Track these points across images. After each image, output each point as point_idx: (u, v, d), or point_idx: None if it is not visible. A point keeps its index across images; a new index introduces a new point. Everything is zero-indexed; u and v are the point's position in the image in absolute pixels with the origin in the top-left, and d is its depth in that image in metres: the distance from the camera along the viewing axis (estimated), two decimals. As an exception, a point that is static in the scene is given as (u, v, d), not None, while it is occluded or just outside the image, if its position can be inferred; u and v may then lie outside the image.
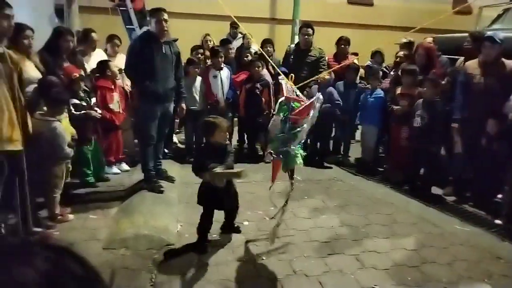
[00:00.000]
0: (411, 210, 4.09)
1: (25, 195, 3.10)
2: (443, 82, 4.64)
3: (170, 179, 4.54)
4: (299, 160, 2.87)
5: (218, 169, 2.85)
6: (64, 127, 3.57)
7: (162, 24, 3.93)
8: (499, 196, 4.06)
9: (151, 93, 4.01)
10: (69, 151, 3.41)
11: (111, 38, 5.24)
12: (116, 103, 4.59)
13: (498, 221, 3.80)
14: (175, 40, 4.45)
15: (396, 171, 4.98)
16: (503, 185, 3.90)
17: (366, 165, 5.38)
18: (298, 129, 2.76)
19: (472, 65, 4.25)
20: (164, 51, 4.04)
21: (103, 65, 4.55)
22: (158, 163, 4.46)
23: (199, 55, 5.71)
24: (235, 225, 3.46)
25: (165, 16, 3.96)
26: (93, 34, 4.93)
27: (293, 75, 3.11)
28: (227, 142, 3.12)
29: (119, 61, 5.18)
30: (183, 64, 4.59)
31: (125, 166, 4.91)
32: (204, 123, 3.15)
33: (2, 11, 2.80)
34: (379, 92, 5.27)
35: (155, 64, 3.97)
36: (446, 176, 4.60)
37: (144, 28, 7.75)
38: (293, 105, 2.80)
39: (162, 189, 4.18)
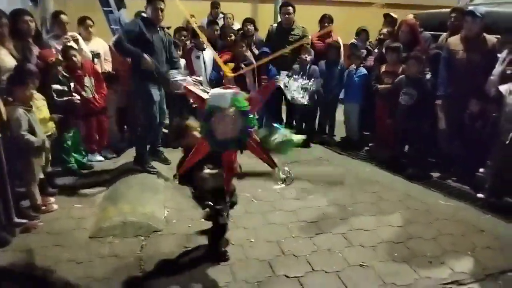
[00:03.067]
0: (397, 188, 4.14)
1: (4, 185, 3.02)
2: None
3: (166, 161, 4.57)
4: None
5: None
6: (42, 115, 3.47)
7: (158, 12, 4.09)
8: (481, 170, 4.13)
9: (147, 76, 4.08)
10: (33, 140, 3.18)
11: (82, 21, 5.02)
12: (87, 89, 4.45)
13: (480, 195, 3.88)
14: (168, 28, 4.46)
15: (381, 149, 5.02)
16: (485, 160, 3.97)
17: (351, 144, 5.41)
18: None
19: (455, 40, 4.25)
20: (159, 36, 4.18)
21: (66, 51, 4.36)
22: (158, 145, 4.62)
23: (183, 37, 5.58)
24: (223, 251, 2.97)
25: (162, 5, 4.10)
26: (62, 16, 4.71)
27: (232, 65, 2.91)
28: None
29: (95, 45, 5.02)
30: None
31: (108, 154, 4.82)
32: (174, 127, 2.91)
33: None
34: (362, 71, 5.27)
35: (153, 48, 4.08)
36: (430, 153, 4.65)
37: (122, 11, 7.55)
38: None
39: (155, 170, 4.27)
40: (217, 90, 2.44)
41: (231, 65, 3.01)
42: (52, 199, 3.60)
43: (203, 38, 4.40)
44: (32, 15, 4.15)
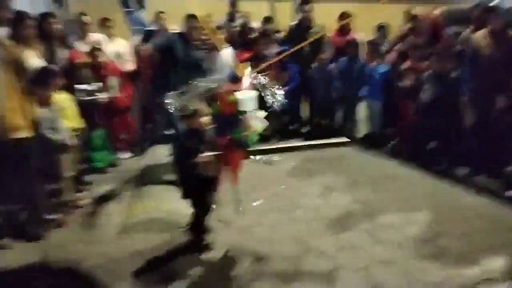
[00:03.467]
0: (423, 185, 4.08)
1: (35, 182, 3.10)
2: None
3: None
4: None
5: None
6: (67, 115, 3.54)
7: (191, 31, 4.24)
8: (510, 168, 4.04)
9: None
10: (55, 138, 3.26)
11: (102, 22, 5.12)
12: (113, 88, 4.53)
13: (510, 193, 3.79)
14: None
15: (405, 146, 4.96)
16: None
17: (375, 141, 5.36)
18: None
19: (479, 36, 4.17)
20: (193, 53, 4.27)
21: (91, 52, 4.45)
22: None
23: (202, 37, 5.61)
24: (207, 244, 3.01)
25: (196, 23, 4.25)
26: (84, 17, 4.82)
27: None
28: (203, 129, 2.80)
29: (116, 45, 5.10)
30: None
31: (134, 152, 4.90)
32: (181, 108, 2.85)
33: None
34: (383, 67, 5.22)
35: (183, 65, 4.15)
36: (458, 150, 4.56)
37: (142, 11, 7.66)
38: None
39: None
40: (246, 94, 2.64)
41: (244, 65, 3.05)
42: (84, 194, 3.68)
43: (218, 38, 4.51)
44: (56, 17, 4.26)
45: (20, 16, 3.49)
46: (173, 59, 4.16)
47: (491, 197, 3.74)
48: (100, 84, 4.28)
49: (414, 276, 2.61)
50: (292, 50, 3.44)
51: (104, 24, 5.13)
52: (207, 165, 2.63)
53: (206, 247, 2.92)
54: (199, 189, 2.81)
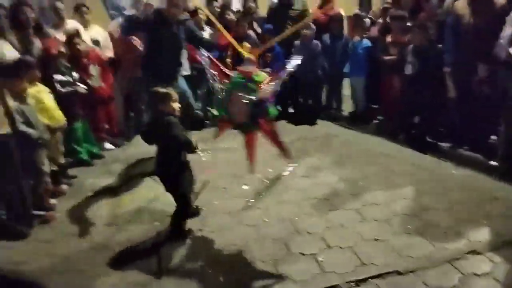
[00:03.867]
0: (408, 160, 4.12)
1: (19, 178, 3.05)
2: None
3: None
4: None
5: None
6: (44, 108, 3.46)
7: (171, 6, 3.98)
8: (493, 137, 4.09)
9: (154, 73, 4.06)
10: (30, 132, 3.13)
11: (77, 8, 4.95)
12: (93, 78, 4.43)
13: (493, 163, 3.84)
14: (187, 20, 4.36)
15: (390, 121, 4.97)
16: (497, 126, 3.91)
17: (359, 118, 5.37)
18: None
19: (461, 4, 4.12)
20: (173, 32, 4.08)
21: (68, 41, 4.31)
22: None
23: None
24: (195, 207, 3.21)
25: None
26: (58, 4, 4.65)
27: (249, 45, 3.07)
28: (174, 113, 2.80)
29: (93, 32, 4.95)
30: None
31: (117, 142, 4.84)
32: (154, 92, 2.84)
33: None
34: (366, 43, 5.17)
35: (161, 45, 4.03)
36: (440, 122, 4.59)
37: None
38: (255, 79, 2.63)
39: None
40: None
41: (246, 44, 3.05)
42: (64, 186, 3.65)
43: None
44: (31, 6, 4.11)
45: None
46: (154, 40, 4.02)
47: (474, 169, 3.79)
48: (77, 74, 4.16)
49: (402, 251, 2.65)
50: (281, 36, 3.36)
51: (80, 11, 4.96)
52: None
53: (188, 233, 2.93)
54: (178, 179, 2.82)
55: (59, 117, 3.60)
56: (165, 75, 4.08)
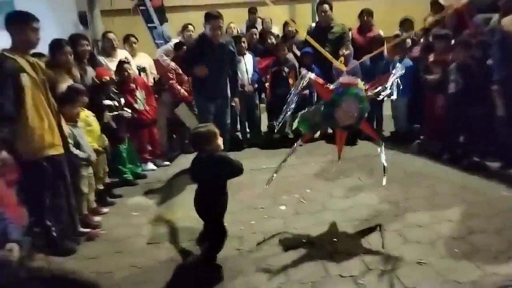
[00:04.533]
0: (453, 180, 3.95)
1: (69, 197, 3.24)
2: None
3: None
4: None
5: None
6: (94, 130, 3.69)
7: (215, 31, 4.22)
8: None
9: (203, 91, 4.41)
10: (78, 154, 3.36)
11: (126, 38, 5.32)
12: (139, 102, 4.67)
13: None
14: (229, 42, 4.57)
15: (433, 141, 4.81)
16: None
17: (401, 138, 5.23)
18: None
19: (509, 21, 3.99)
20: (218, 53, 4.33)
21: (118, 67, 4.62)
22: None
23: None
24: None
25: (220, 23, 4.25)
26: (109, 35, 5.01)
27: (343, 59, 3.42)
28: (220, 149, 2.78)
29: (140, 60, 5.29)
30: (236, 60, 4.75)
31: (160, 162, 5.01)
32: (196, 134, 2.77)
33: (30, 25, 2.90)
34: (408, 62, 5.08)
35: (209, 65, 4.27)
36: (488, 142, 4.38)
37: (165, 25, 7.87)
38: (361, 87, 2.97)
39: None
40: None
41: (342, 59, 3.38)
42: (106, 209, 3.82)
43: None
44: (87, 38, 4.46)
45: (58, 43, 3.70)
46: (199, 61, 4.26)
47: (526, 190, 3.57)
48: (123, 100, 4.42)
49: (447, 276, 2.52)
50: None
51: (129, 41, 5.31)
52: None
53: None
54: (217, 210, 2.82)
55: (104, 139, 3.81)
56: (212, 95, 4.39)
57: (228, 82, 4.60)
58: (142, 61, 5.31)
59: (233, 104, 4.88)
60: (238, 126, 5.73)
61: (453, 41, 4.65)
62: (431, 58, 4.75)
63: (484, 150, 4.35)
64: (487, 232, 2.97)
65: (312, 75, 3.05)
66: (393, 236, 3.04)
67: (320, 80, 3.10)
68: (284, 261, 2.82)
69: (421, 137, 5.20)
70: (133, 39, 5.33)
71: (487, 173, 4.03)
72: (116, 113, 4.18)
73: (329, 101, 2.95)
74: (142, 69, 5.20)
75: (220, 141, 2.75)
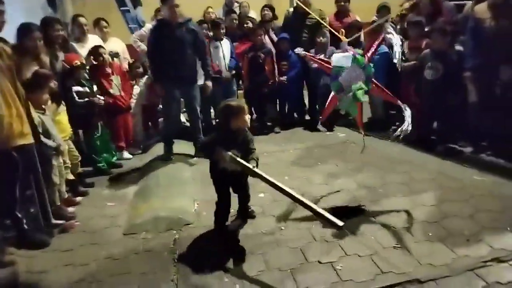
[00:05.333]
0: (428, 166, 4.03)
1: (41, 188, 3.13)
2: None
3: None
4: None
5: (238, 158, 2.71)
6: (61, 119, 3.56)
7: (173, 10, 4.11)
8: (518, 142, 3.96)
9: (167, 77, 4.25)
10: (48, 143, 3.24)
11: (97, 22, 5.14)
12: (115, 87, 4.54)
13: (518, 168, 3.73)
14: (189, 20, 4.38)
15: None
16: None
17: (378, 124, 5.29)
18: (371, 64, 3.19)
19: (482, 8, 4.06)
20: (180, 35, 4.19)
21: (93, 52, 4.46)
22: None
23: (204, 30, 5.55)
24: (250, 209, 3.30)
25: (175, 1, 4.11)
26: (80, 19, 4.82)
27: (343, 31, 3.40)
28: (247, 126, 2.92)
29: (112, 45, 5.11)
30: (203, 40, 4.55)
31: (136, 151, 4.92)
32: (226, 106, 2.84)
33: None
34: (383, 48, 5.10)
35: (172, 50, 4.16)
36: (461, 128, 4.48)
37: (139, 9, 7.64)
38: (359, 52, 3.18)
39: (171, 157, 4.49)
40: (339, 55, 3.19)
41: (342, 31, 3.41)
42: (79, 199, 3.72)
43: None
44: (61, 22, 4.27)
45: (27, 28, 3.52)
46: (162, 47, 4.13)
47: (497, 175, 3.68)
48: (96, 86, 4.28)
49: (423, 259, 2.57)
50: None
51: (99, 25, 5.12)
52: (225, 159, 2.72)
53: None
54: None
55: (68, 129, 3.70)
56: (177, 80, 4.23)
57: (196, 65, 4.44)
58: (115, 46, 5.13)
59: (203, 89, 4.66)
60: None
61: (427, 28, 4.69)
62: (406, 44, 4.78)
63: (458, 136, 4.44)
64: (460, 216, 3.05)
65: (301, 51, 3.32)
66: (370, 221, 3.09)
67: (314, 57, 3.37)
68: (262, 249, 2.82)
69: (397, 123, 5.26)
70: (103, 23, 5.14)
71: (461, 158, 4.13)
72: (86, 99, 4.03)
73: (333, 73, 3.17)
74: (114, 55, 5.04)
75: (247, 117, 2.83)
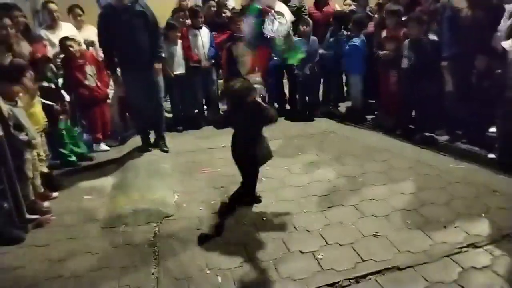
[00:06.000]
0: (406, 155, 4.10)
1: (13, 183, 3.02)
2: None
3: (162, 149, 4.53)
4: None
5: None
6: (35, 110, 3.44)
7: None
8: (492, 130, 4.06)
9: (121, 66, 4.12)
10: (19, 136, 3.09)
11: (71, 9, 4.95)
12: (90, 77, 4.40)
13: (491, 155, 3.82)
14: (135, 1, 4.08)
15: (387, 116, 4.95)
16: (495, 119, 3.89)
17: (357, 114, 5.33)
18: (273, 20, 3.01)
19: (459, -1, 4.09)
20: (127, 18, 3.99)
21: (60, 44, 4.29)
22: (153, 131, 4.61)
23: (181, 19, 5.43)
24: (257, 195, 3.33)
25: None
26: (50, 5, 4.63)
27: None
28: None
29: (87, 33, 4.93)
30: (154, 22, 4.24)
31: (113, 143, 4.81)
32: (237, 89, 2.85)
33: None
34: (360, 38, 5.12)
35: (122, 34, 3.98)
36: (438, 117, 4.56)
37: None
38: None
39: (150, 148, 4.47)
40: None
41: None
42: (55, 194, 3.61)
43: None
44: (21, 10, 4.08)
45: None
46: (113, 33, 3.99)
47: (473, 163, 3.77)
48: (62, 80, 4.14)
49: (401, 247, 2.62)
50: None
51: (73, 12, 4.94)
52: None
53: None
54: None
55: (42, 120, 3.57)
56: (131, 65, 4.09)
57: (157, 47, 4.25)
58: (90, 35, 4.96)
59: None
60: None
61: (404, 17, 4.72)
62: (384, 33, 4.81)
63: (434, 124, 4.52)
64: (437, 204, 3.12)
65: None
66: (350, 210, 3.12)
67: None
68: (244, 240, 2.81)
69: (376, 112, 5.32)
70: (78, 10, 4.96)
71: (437, 146, 4.21)
72: (53, 97, 3.89)
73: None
74: (90, 43, 4.88)
75: (256, 94, 2.88)
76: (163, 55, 4.51)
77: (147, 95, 4.25)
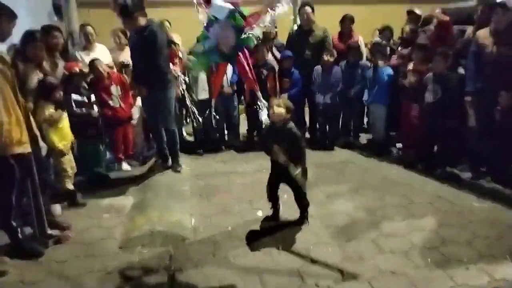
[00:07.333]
0: (427, 190, 4.02)
1: (38, 198, 3.09)
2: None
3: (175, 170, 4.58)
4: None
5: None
6: (63, 127, 3.56)
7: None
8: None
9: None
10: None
11: (114, 32, 5.16)
12: (115, 98, 4.53)
13: (516, 195, 3.72)
14: (145, 28, 4.08)
15: (409, 150, 4.89)
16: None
17: (378, 146, 5.29)
18: (250, 34, 2.60)
19: (483, 34, 4.10)
20: (131, 43, 4.31)
21: (90, 65, 4.47)
22: (165, 151, 4.66)
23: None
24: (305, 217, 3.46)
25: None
26: (87, 28, 4.84)
27: None
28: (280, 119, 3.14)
29: (126, 54, 5.09)
30: (158, 47, 4.17)
31: (135, 162, 4.89)
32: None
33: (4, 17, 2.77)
34: (387, 70, 5.14)
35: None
36: (461, 152, 4.48)
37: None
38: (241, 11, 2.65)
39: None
40: (220, 2, 2.57)
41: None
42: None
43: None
44: (61, 31, 4.28)
45: (32, 36, 3.54)
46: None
47: (496, 201, 3.67)
48: (94, 97, 4.26)
49: (421, 286, 2.55)
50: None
51: (116, 34, 5.15)
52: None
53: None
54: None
55: (70, 136, 3.69)
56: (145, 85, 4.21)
57: (152, 70, 4.19)
58: (127, 56, 5.13)
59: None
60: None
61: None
62: (409, 66, 4.82)
63: (457, 160, 4.44)
64: (458, 242, 3.03)
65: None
66: (368, 245, 3.06)
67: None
68: (259, 268, 2.78)
69: (397, 145, 5.27)
70: (118, 32, 5.17)
71: (459, 183, 4.12)
72: (84, 110, 4.03)
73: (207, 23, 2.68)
74: (126, 65, 5.02)
75: (275, 110, 3.09)
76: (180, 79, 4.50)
77: (156, 116, 4.40)
